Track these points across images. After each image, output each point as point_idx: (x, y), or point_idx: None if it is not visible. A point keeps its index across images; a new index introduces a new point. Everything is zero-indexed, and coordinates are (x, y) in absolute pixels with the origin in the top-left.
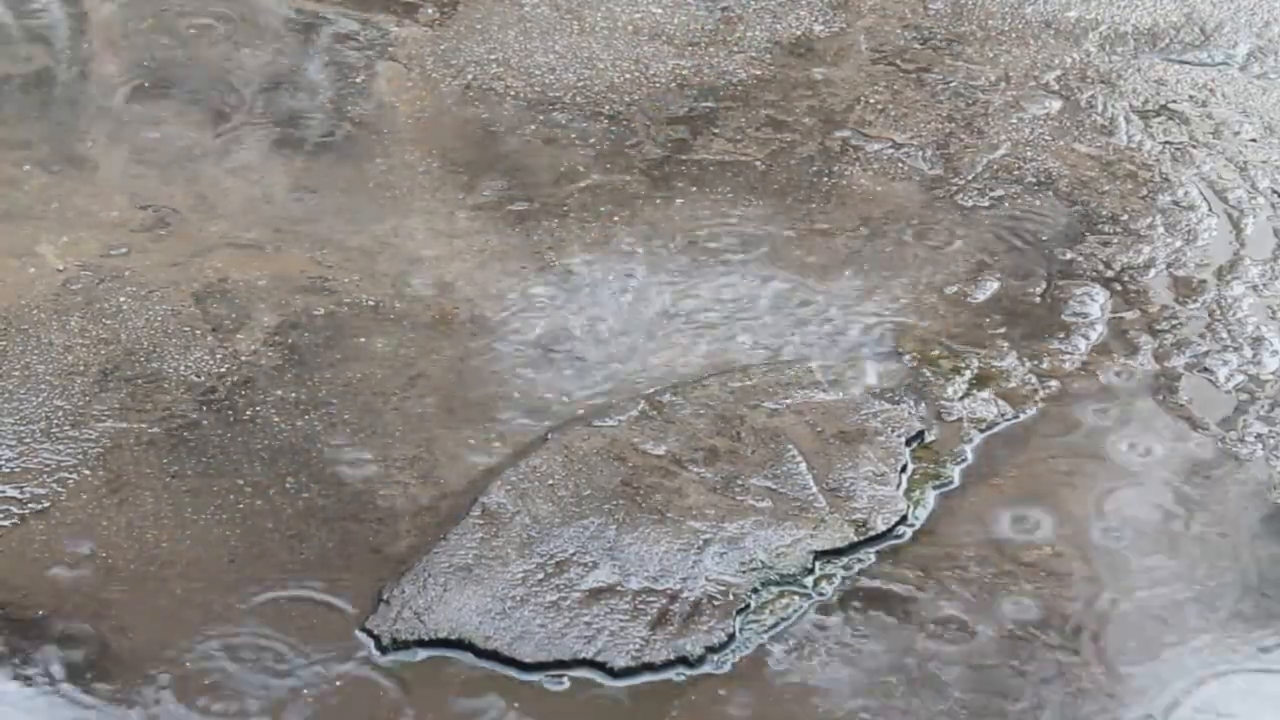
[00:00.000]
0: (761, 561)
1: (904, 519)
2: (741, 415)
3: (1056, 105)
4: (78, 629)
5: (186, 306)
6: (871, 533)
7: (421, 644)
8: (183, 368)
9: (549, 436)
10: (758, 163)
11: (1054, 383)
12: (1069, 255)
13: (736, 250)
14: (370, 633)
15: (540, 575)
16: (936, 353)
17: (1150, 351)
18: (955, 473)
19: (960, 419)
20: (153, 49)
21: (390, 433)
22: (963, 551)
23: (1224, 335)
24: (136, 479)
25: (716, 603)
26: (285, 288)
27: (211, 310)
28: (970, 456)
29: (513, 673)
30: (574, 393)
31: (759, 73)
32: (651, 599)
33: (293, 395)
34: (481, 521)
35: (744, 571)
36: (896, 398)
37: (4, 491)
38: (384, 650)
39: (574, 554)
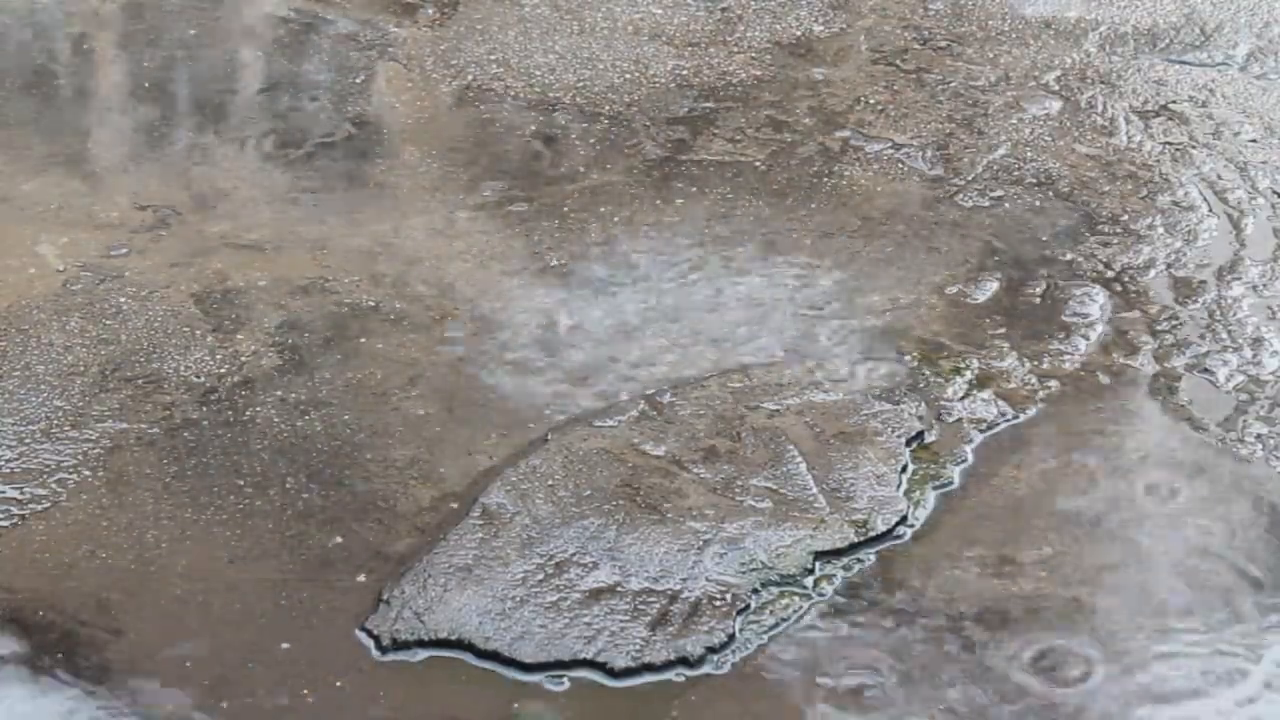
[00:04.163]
0: (761, 562)
1: (904, 519)
2: (741, 415)
3: (1056, 106)
4: (78, 629)
5: (186, 307)
6: (872, 533)
7: (421, 644)
8: (183, 368)
9: (549, 437)
10: (758, 163)
11: (1054, 383)
12: (1069, 255)
13: (736, 251)
14: (370, 633)
15: (540, 576)
16: (936, 353)
17: (1150, 352)
18: (955, 473)
19: (960, 419)
20: (153, 49)
21: (390, 433)
22: (963, 552)
23: (1224, 335)
24: (136, 479)
25: (717, 603)
26: (285, 288)
27: (211, 310)
28: (970, 457)
29: (513, 673)
30: (574, 393)
31: (759, 73)
32: (651, 599)
33: (292, 395)
34: (481, 522)
35: (744, 572)
36: (896, 398)
37: (4, 492)
38: (384, 651)
39: (574, 554)
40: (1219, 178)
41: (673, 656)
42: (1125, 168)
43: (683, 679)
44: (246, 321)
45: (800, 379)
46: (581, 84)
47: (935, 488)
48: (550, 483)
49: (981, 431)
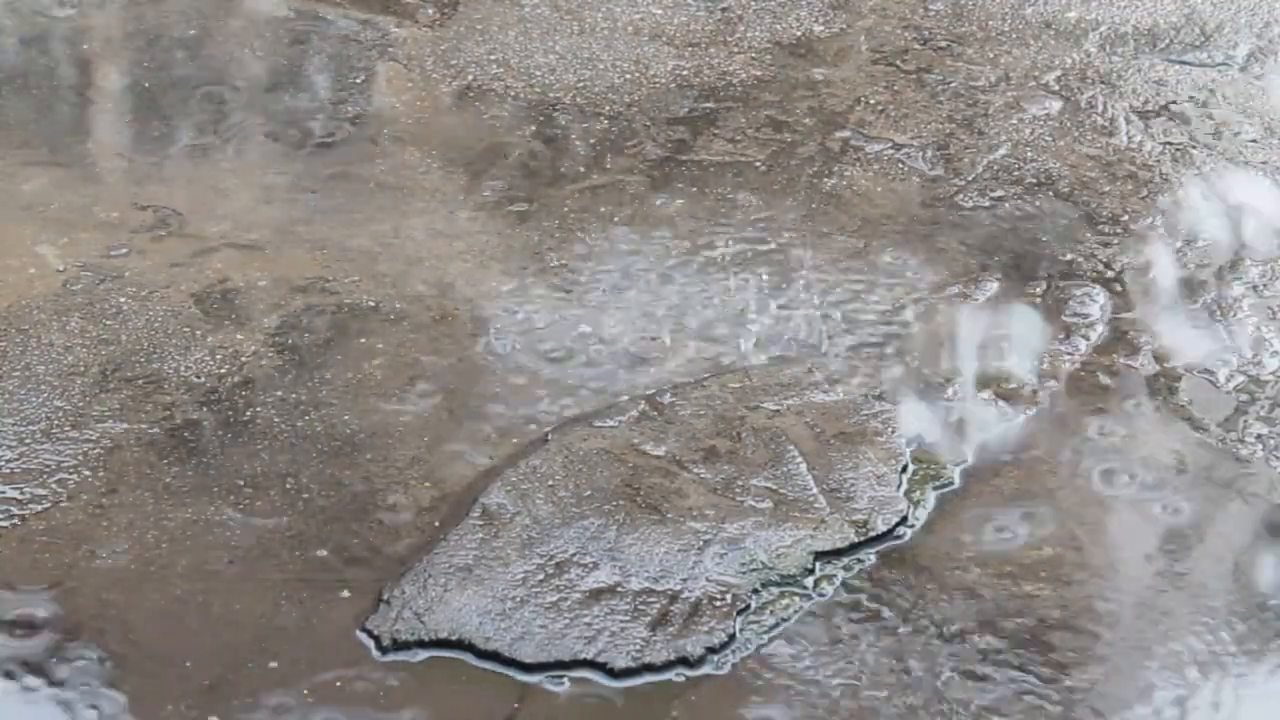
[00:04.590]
0: (762, 562)
1: (904, 519)
2: (742, 416)
3: (1057, 106)
4: (78, 630)
5: (187, 307)
6: (872, 533)
7: (422, 645)
8: (183, 368)
9: (549, 437)
10: (758, 163)
11: (1054, 383)
12: (1069, 255)
13: (736, 251)
14: (370, 633)
15: (540, 576)
16: (937, 353)
17: (1150, 351)
18: (955, 473)
19: (961, 419)
20: (153, 49)
21: (390, 433)
22: (962, 552)
23: (1224, 336)
24: (136, 479)
25: (717, 603)
26: (285, 288)
27: (211, 310)
28: (970, 457)
29: (513, 673)
30: (574, 393)
31: (759, 73)
32: (652, 599)
33: (293, 396)
34: (482, 522)
35: (744, 572)
36: (897, 398)
37: (4, 492)
38: (384, 651)
39: (574, 555)
40: (1219, 178)
41: (673, 657)
42: (1125, 168)
43: (683, 679)
44: (246, 321)
45: (800, 379)
46: (582, 84)
47: (935, 488)
48: (550, 483)
49: (982, 432)
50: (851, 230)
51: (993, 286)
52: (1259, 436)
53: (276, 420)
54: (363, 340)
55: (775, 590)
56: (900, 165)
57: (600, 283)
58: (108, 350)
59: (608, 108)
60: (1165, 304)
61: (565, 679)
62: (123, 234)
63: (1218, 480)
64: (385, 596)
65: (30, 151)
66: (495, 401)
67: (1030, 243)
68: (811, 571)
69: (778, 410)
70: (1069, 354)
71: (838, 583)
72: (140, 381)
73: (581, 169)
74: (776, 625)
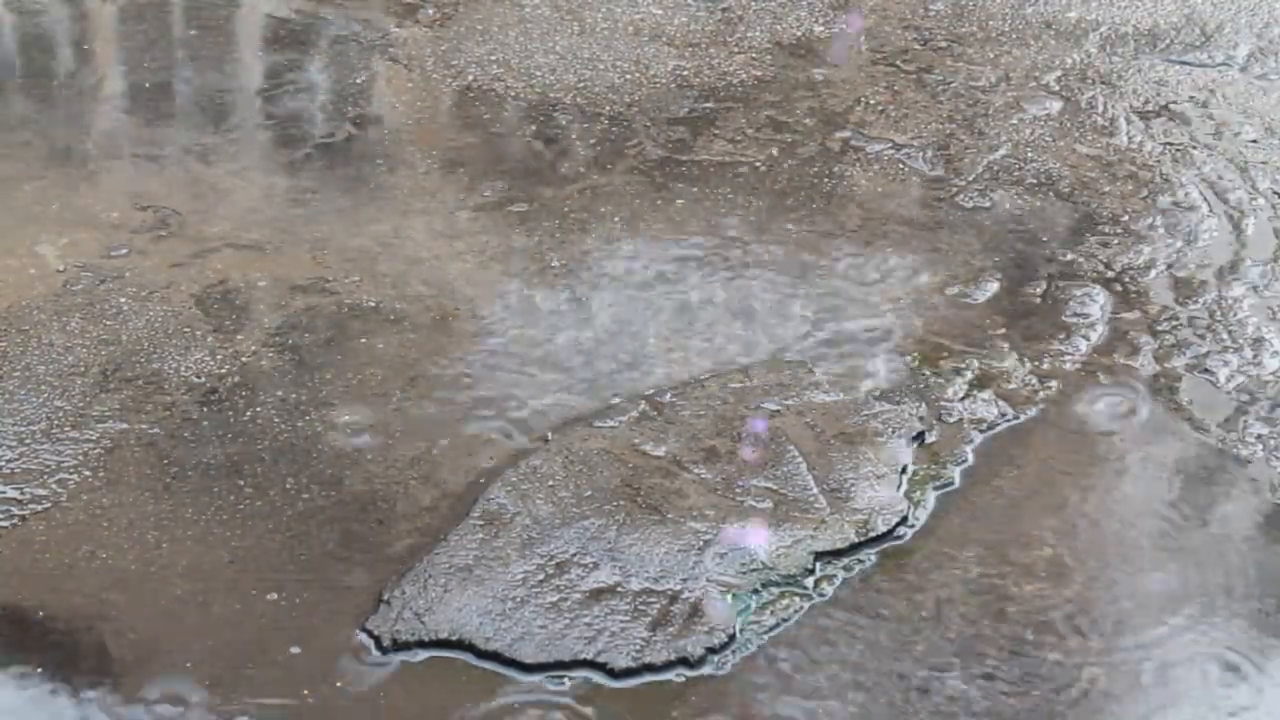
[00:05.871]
0: (762, 562)
1: (904, 520)
2: (742, 416)
3: (1057, 106)
4: (78, 629)
5: (187, 307)
6: (872, 533)
7: (422, 645)
8: (183, 368)
9: (549, 437)
10: (758, 163)
11: (1054, 383)
12: (1069, 255)
13: (737, 252)
14: (371, 633)
15: (541, 576)
16: (937, 353)
17: (1151, 352)
18: (956, 473)
19: (961, 420)
20: (153, 50)
21: (390, 433)
22: (963, 552)
23: (1224, 336)
24: (137, 479)
25: (717, 604)
26: (285, 288)
27: (212, 310)
28: (971, 457)
29: (514, 673)
30: (575, 393)
31: (759, 73)
32: (652, 600)
33: (293, 396)
34: (482, 522)
35: (744, 572)
36: (897, 398)
37: (4, 492)
38: (384, 651)
39: (575, 555)
40: (1219, 178)
41: (673, 657)
42: (1126, 168)
43: (683, 679)
44: (246, 321)
45: (800, 379)
46: (582, 84)
47: (936, 488)
48: (551, 483)
49: (982, 432)
50: (852, 230)
51: (993, 286)
52: (1259, 437)
53: (276, 420)
54: (363, 340)
55: (775, 590)
56: (901, 165)
57: (600, 283)
58: (108, 350)
59: (608, 108)
60: (1165, 304)
61: (565, 679)
62: (123, 234)
63: (1218, 480)
64: (385, 597)
65: (30, 151)
66: (495, 402)
67: (1030, 243)
68: (812, 571)
69: (778, 410)
70: (1069, 354)
71: (838, 583)
72: (140, 381)
73: (581, 169)
74: (777, 625)
